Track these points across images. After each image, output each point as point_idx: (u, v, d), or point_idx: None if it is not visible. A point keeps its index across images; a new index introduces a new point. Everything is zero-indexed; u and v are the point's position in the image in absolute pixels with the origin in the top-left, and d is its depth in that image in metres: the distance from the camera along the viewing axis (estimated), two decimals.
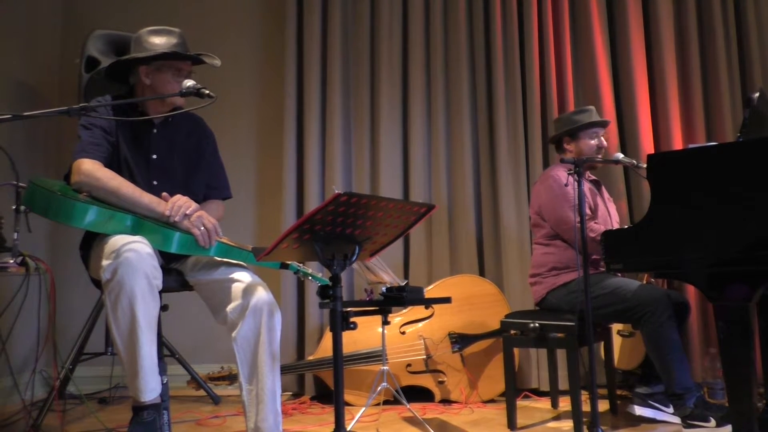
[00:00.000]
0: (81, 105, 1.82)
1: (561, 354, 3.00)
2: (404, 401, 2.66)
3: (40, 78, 3.62)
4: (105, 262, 1.84)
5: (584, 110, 2.94)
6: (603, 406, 2.80)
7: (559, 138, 2.95)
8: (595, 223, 2.74)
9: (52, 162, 3.65)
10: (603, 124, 2.94)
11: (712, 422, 2.36)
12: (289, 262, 2.17)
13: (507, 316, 2.76)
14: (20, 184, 2.23)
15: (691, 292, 3.31)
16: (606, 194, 3.07)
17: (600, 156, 2.89)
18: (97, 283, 2.02)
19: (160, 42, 2.16)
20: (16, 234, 2.19)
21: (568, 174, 2.32)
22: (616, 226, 2.92)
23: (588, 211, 2.77)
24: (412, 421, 2.78)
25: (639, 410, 2.72)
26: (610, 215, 2.94)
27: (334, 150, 3.59)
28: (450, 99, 3.66)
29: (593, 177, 3.05)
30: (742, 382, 2.00)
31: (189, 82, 2.03)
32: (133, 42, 2.22)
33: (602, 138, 2.91)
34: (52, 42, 3.77)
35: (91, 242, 2.08)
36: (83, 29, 3.23)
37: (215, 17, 3.92)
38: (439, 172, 3.60)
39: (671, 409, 2.60)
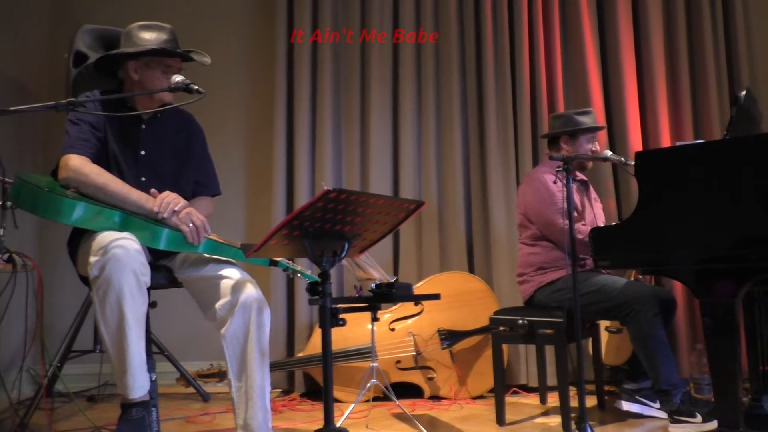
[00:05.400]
0: (68, 100, 1.80)
1: (549, 350, 3.01)
2: (394, 398, 2.66)
3: (28, 73, 3.58)
4: (93, 259, 1.83)
5: (586, 112, 2.94)
6: (591, 401, 2.82)
7: (556, 135, 2.95)
8: (582, 224, 2.75)
9: (40, 157, 3.62)
10: (601, 129, 2.98)
11: (698, 417, 2.39)
12: (278, 259, 2.17)
13: (496, 313, 2.77)
14: (7, 179, 2.21)
15: (678, 288, 3.34)
16: (593, 194, 3.07)
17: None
18: (85, 280, 2.00)
19: (149, 37, 2.14)
20: (2, 230, 2.18)
21: (557, 171, 2.32)
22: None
23: (575, 212, 2.78)
24: (401, 417, 2.78)
25: (626, 405, 2.74)
26: (595, 216, 2.95)
27: (324, 147, 3.58)
28: (440, 96, 3.66)
29: (582, 177, 3.06)
30: (727, 377, 2.02)
31: (178, 78, 2.02)
32: (123, 36, 2.20)
33: (596, 143, 2.95)
34: (40, 36, 3.73)
35: (79, 239, 2.07)
36: (72, 24, 3.20)
37: (205, 14, 3.90)
38: (429, 170, 3.60)
39: (658, 405, 2.63)
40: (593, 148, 2.91)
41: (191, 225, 2.01)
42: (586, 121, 2.90)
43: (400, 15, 3.68)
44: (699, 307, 2.08)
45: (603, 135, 3.52)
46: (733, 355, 2.01)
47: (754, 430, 2.26)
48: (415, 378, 3.18)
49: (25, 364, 2.98)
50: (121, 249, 1.83)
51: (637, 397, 2.72)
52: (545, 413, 2.85)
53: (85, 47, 3.03)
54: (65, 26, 3.53)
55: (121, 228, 1.94)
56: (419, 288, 3.24)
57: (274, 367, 3.13)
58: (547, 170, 2.82)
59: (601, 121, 3.53)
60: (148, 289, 1.92)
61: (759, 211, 1.94)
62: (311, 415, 2.89)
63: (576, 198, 2.83)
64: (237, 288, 2.03)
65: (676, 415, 2.44)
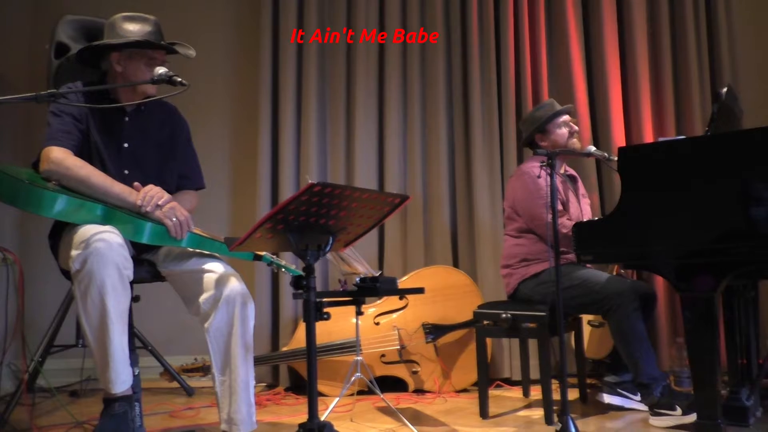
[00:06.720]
0: (50, 91, 1.78)
1: (533, 344, 3.04)
2: (378, 391, 2.67)
3: (8, 64, 3.53)
4: (74, 252, 1.81)
5: (543, 105, 2.99)
6: (573, 394, 2.85)
7: (531, 138, 2.97)
8: (567, 218, 2.77)
9: (21, 149, 3.57)
10: (567, 111, 2.97)
11: (678, 410, 2.42)
12: (262, 254, 2.16)
13: (480, 307, 2.79)
14: None
15: (658, 282, 3.38)
16: (582, 190, 3.09)
17: (575, 139, 2.93)
18: (67, 274, 1.99)
19: (133, 29, 2.12)
20: None
21: (541, 166, 2.34)
22: None
23: (560, 206, 2.80)
24: (385, 410, 2.79)
25: (608, 398, 2.77)
26: (582, 212, 2.96)
27: (310, 141, 3.57)
28: (426, 91, 3.66)
29: (571, 171, 3.08)
30: (707, 370, 2.06)
31: (161, 70, 2.00)
32: (106, 27, 2.18)
33: (571, 123, 2.95)
34: (21, 27, 3.67)
35: (61, 232, 2.05)
36: (53, 14, 3.15)
37: (190, 6, 3.86)
38: (414, 164, 3.61)
39: (639, 397, 2.66)
40: (569, 130, 2.92)
41: (174, 219, 2.00)
42: (546, 111, 2.92)
43: (386, 14, 3.66)
44: (679, 301, 2.11)
45: (587, 131, 3.55)
46: (713, 349, 2.04)
47: (733, 421, 2.30)
48: (400, 372, 3.19)
49: (5, 359, 2.95)
50: (103, 242, 1.81)
51: (619, 390, 2.76)
52: (528, 406, 2.87)
53: (66, 38, 2.98)
54: (47, 16, 3.48)
55: (104, 221, 1.92)
56: (404, 282, 3.24)
57: (258, 361, 3.12)
58: (535, 164, 2.83)
59: (585, 116, 3.56)
60: (131, 283, 1.91)
61: (739, 207, 1.96)
62: (296, 409, 2.89)
63: (561, 192, 2.85)
64: (221, 282, 2.02)
65: (656, 408, 2.47)
